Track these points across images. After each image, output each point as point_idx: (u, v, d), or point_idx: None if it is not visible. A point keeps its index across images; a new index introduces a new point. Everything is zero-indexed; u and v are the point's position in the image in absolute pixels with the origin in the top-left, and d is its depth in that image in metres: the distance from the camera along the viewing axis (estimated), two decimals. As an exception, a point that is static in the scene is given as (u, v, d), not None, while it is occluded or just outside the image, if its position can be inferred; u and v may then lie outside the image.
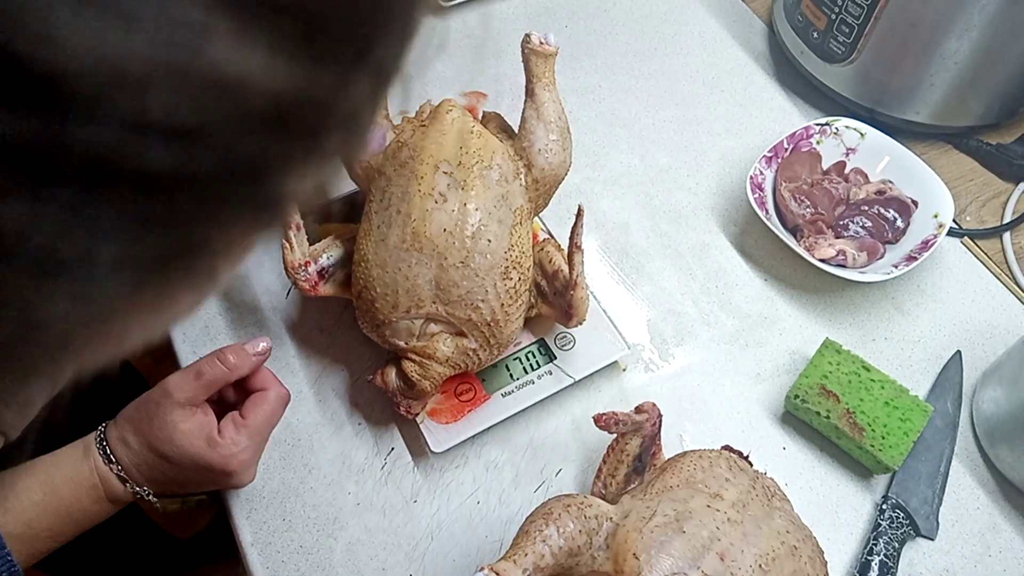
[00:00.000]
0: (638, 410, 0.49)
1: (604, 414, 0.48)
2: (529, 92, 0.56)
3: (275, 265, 0.63)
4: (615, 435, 0.50)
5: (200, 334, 0.60)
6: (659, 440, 0.51)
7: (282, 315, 0.62)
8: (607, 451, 0.50)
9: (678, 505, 0.42)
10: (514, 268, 0.53)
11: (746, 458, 0.49)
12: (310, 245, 0.56)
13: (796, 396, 0.56)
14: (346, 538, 0.53)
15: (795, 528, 0.43)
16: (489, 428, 0.56)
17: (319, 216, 0.64)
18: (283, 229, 0.54)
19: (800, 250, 0.61)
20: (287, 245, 0.54)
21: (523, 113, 0.56)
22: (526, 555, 0.39)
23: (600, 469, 0.50)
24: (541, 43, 0.56)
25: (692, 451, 0.47)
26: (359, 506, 0.54)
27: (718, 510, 0.42)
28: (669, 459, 0.48)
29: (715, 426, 0.57)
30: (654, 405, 0.49)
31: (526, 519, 0.42)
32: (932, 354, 0.61)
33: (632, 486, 0.49)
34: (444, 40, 0.78)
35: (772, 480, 0.47)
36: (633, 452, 0.49)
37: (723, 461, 0.46)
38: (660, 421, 0.50)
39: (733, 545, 0.40)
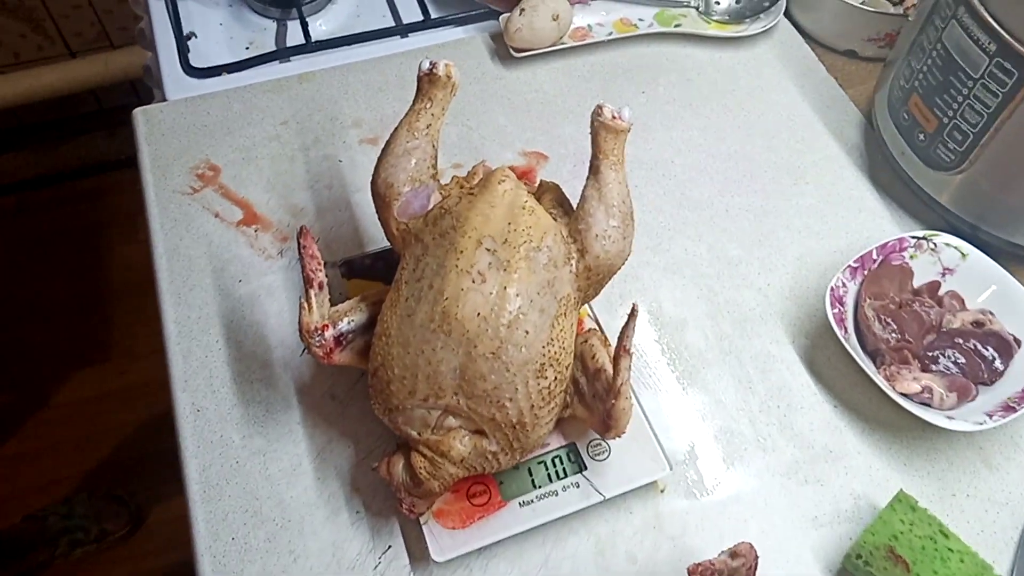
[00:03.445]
0: (733, 554, 0.43)
1: (700, 564, 0.42)
2: (593, 169, 0.50)
3: (295, 318, 0.58)
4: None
5: (202, 384, 0.55)
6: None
7: (293, 374, 0.56)
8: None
9: None
10: (551, 366, 0.47)
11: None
12: (333, 304, 0.51)
13: (858, 556, 0.48)
14: (322, 647, 0.46)
15: None
16: (500, 540, 0.49)
17: (348, 270, 0.59)
18: (304, 286, 0.49)
19: (879, 380, 0.54)
20: (305, 305, 0.49)
21: (584, 191, 0.50)
22: None
23: None
24: (614, 117, 0.50)
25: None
26: (342, 610, 0.48)
27: None
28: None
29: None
30: (751, 546, 0.43)
31: None
32: (1021, 520, 0.53)
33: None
34: (509, 93, 0.72)
35: None
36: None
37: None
38: (756, 564, 0.43)
39: None
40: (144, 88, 1.75)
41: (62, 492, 1.34)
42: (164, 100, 0.71)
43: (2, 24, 1.56)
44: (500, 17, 0.75)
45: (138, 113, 0.69)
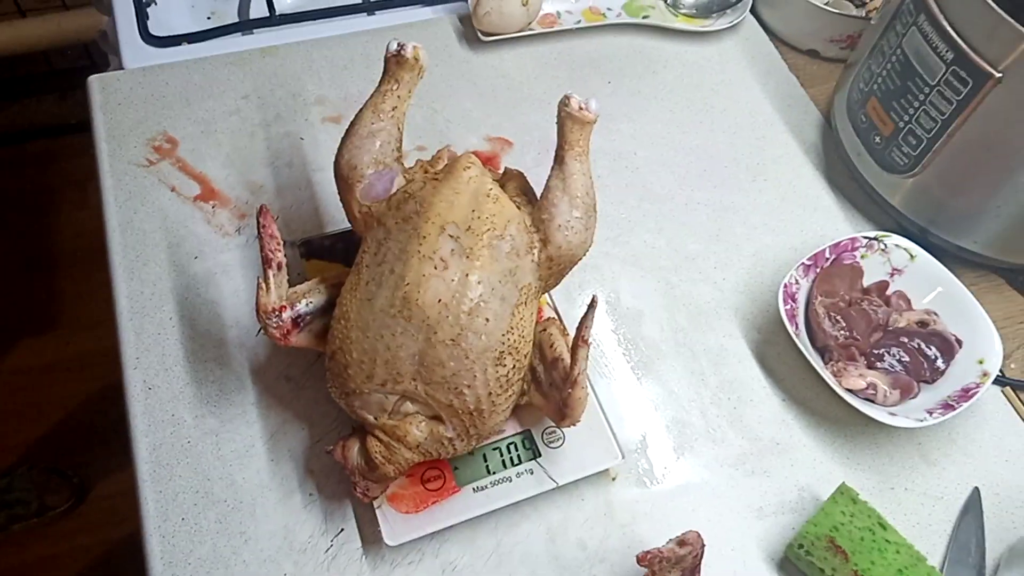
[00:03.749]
0: (680, 542, 0.44)
1: (649, 552, 0.43)
2: (558, 159, 0.51)
3: (251, 297, 0.58)
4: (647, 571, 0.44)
5: (155, 362, 0.54)
6: (699, 573, 0.45)
7: (248, 354, 0.56)
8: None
9: None
10: (510, 354, 0.47)
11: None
12: (292, 285, 0.50)
13: (800, 545, 0.50)
14: (271, 628, 0.46)
15: None
16: (453, 525, 0.49)
17: (307, 250, 0.58)
18: (263, 266, 0.48)
19: (827, 376, 0.55)
20: (263, 285, 0.48)
21: (548, 181, 0.50)
22: None
23: None
24: (581, 108, 0.50)
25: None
26: (293, 592, 0.48)
27: None
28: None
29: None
30: (698, 535, 0.44)
31: None
32: (955, 514, 0.55)
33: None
34: (475, 77, 0.72)
35: None
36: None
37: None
38: (703, 551, 0.44)
39: None
40: (98, 52, 1.70)
41: (2, 465, 1.31)
42: (121, 68, 0.69)
43: (-53, -24, 1.50)
44: (469, -1, 0.74)
45: (93, 80, 0.67)
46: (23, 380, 1.43)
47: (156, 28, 0.71)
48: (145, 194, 0.61)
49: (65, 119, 1.72)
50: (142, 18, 0.72)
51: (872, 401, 0.56)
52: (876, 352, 0.58)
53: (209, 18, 0.74)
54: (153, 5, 0.73)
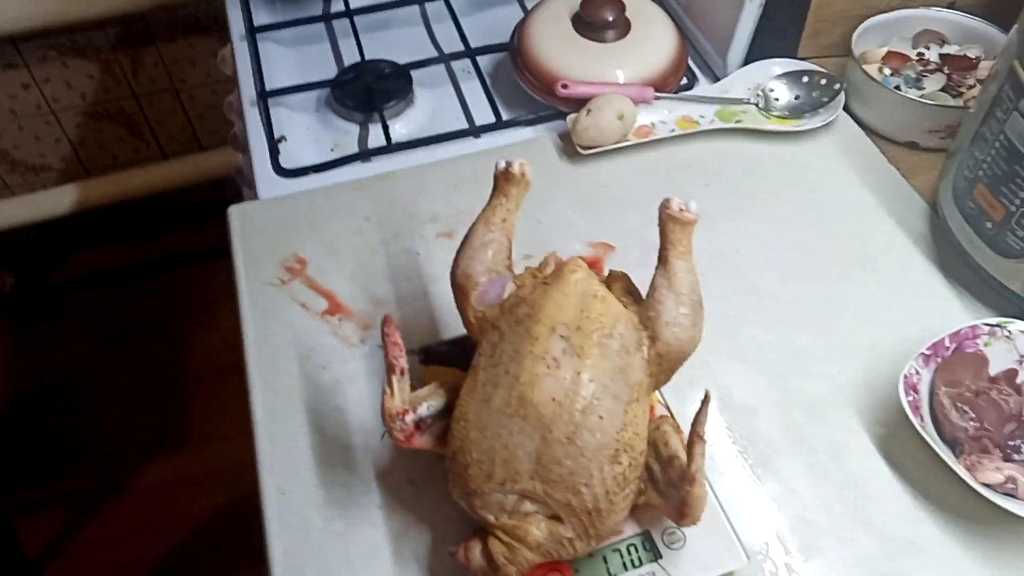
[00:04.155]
0: None
1: None
2: (662, 259, 0.53)
3: (375, 403, 0.61)
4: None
5: (287, 467, 0.58)
6: None
7: (373, 458, 0.58)
8: None
9: None
10: (625, 451, 0.48)
11: None
12: (413, 390, 0.53)
13: (947, 653, 0.47)
14: None
15: None
16: (575, 628, 0.49)
17: (425, 356, 0.61)
18: (387, 372, 0.51)
19: (960, 470, 0.53)
20: (387, 390, 0.51)
21: (653, 280, 0.52)
22: None
23: None
24: (681, 210, 0.53)
25: None
26: None
27: None
28: None
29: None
30: None
31: None
32: (1123, 621, 0.50)
33: None
34: (576, 188, 0.76)
35: None
36: None
37: None
38: None
39: None
40: (229, 186, 1.86)
41: (137, 576, 1.38)
42: (256, 198, 0.77)
43: (104, 128, 1.70)
44: (567, 117, 0.79)
45: (233, 210, 0.74)
46: (156, 496, 1.51)
47: (286, 161, 0.79)
48: (278, 311, 0.67)
49: (200, 248, 1.88)
50: (274, 153, 0.80)
51: (1013, 496, 0.53)
52: (1012, 444, 0.55)
53: (332, 150, 0.81)
54: (284, 141, 0.82)
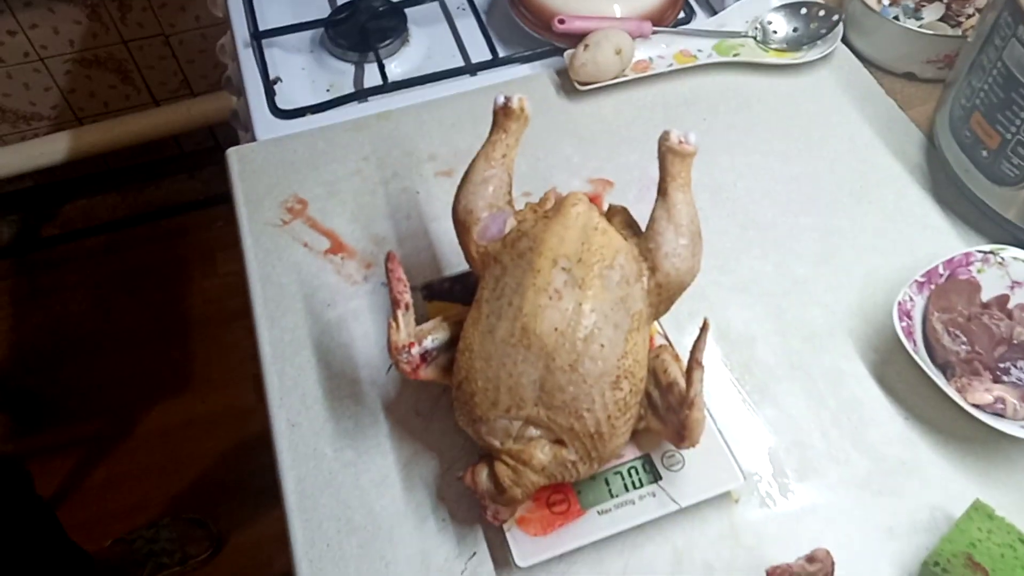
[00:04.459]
0: (810, 559, 0.44)
1: (779, 567, 0.45)
2: (662, 191, 0.53)
3: (380, 339, 0.62)
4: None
5: (296, 401, 0.59)
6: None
7: (380, 391, 0.60)
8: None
9: None
10: (626, 378, 0.49)
11: None
12: (418, 324, 0.54)
13: (936, 563, 0.49)
14: (413, 647, 0.49)
15: None
16: (580, 547, 0.51)
17: (428, 293, 0.62)
18: (392, 307, 0.53)
19: (951, 391, 0.54)
20: (394, 324, 0.52)
21: (653, 213, 0.53)
22: None
23: None
24: (680, 142, 0.53)
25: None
26: (431, 612, 0.50)
27: None
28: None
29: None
30: (827, 552, 0.45)
31: None
32: (1104, 532, 0.52)
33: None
34: (575, 124, 0.76)
35: None
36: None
37: None
38: (833, 570, 0.45)
39: None
40: (222, 132, 1.84)
41: (148, 517, 1.41)
42: (253, 140, 0.77)
43: (93, 75, 1.68)
44: (565, 53, 0.78)
45: (231, 153, 0.74)
46: (162, 439, 1.54)
47: (283, 103, 0.79)
48: (281, 251, 0.67)
49: (195, 195, 1.87)
50: (270, 95, 0.79)
51: (1002, 416, 0.54)
52: (1002, 366, 0.57)
53: (328, 90, 0.81)
54: (279, 83, 0.81)
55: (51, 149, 1.69)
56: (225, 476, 1.47)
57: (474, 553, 0.52)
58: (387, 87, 0.79)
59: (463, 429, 0.52)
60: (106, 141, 1.71)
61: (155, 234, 1.86)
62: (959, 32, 0.76)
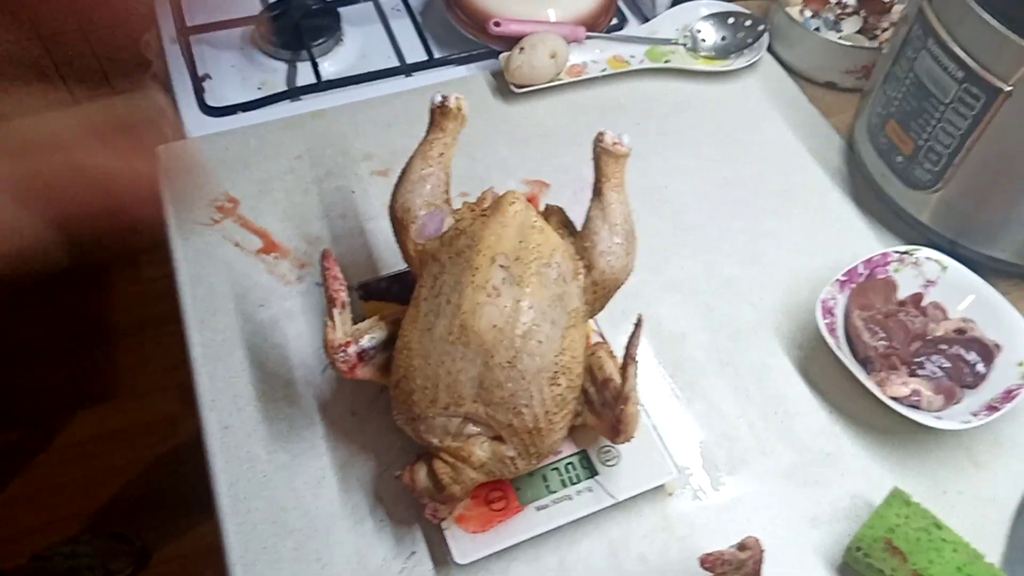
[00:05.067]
0: (741, 547, 0.46)
1: (711, 555, 0.45)
2: (597, 192, 0.54)
3: (314, 339, 0.61)
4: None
5: (229, 403, 0.58)
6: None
7: (315, 392, 0.59)
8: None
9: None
10: (563, 374, 0.50)
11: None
12: (353, 324, 0.54)
13: (858, 548, 0.51)
14: (351, 648, 0.48)
15: None
16: (518, 543, 0.51)
17: (364, 292, 0.62)
18: (328, 305, 0.52)
19: (871, 385, 0.57)
20: (330, 323, 0.52)
21: (588, 212, 0.54)
22: None
23: None
24: (615, 143, 0.54)
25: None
26: (369, 613, 0.50)
27: None
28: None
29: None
30: (757, 541, 0.46)
31: None
32: (1008, 516, 0.56)
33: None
34: (510, 126, 0.77)
35: None
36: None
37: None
38: (763, 557, 0.46)
39: None
40: (146, 132, 1.78)
41: (67, 532, 1.35)
42: (183, 138, 0.75)
43: (7, 73, 1.61)
44: (500, 55, 0.79)
45: (160, 150, 0.72)
46: (82, 450, 1.47)
47: (212, 100, 0.77)
48: (211, 250, 0.66)
49: (116, 198, 1.81)
50: (199, 92, 0.77)
51: (917, 407, 0.57)
52: (917, 360, 0.60)
53: (259, 88, 0.80)
54: (208, 79, 0.79)
55: (-40, 148, 1.61)
56: (149, 489, 1.42)
57: (413, 552, 0.52)
58: (321, 86, 0.78)
59: (401, 428, 0.52)
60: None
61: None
62: (876, 44, 0.80)
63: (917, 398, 0.57)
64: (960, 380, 0.59)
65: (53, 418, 1.51)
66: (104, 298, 1.70)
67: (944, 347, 0.60)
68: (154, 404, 1.52)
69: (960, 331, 0.61)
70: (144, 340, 1.62)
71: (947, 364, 0.59)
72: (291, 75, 0.81)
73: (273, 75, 0.81)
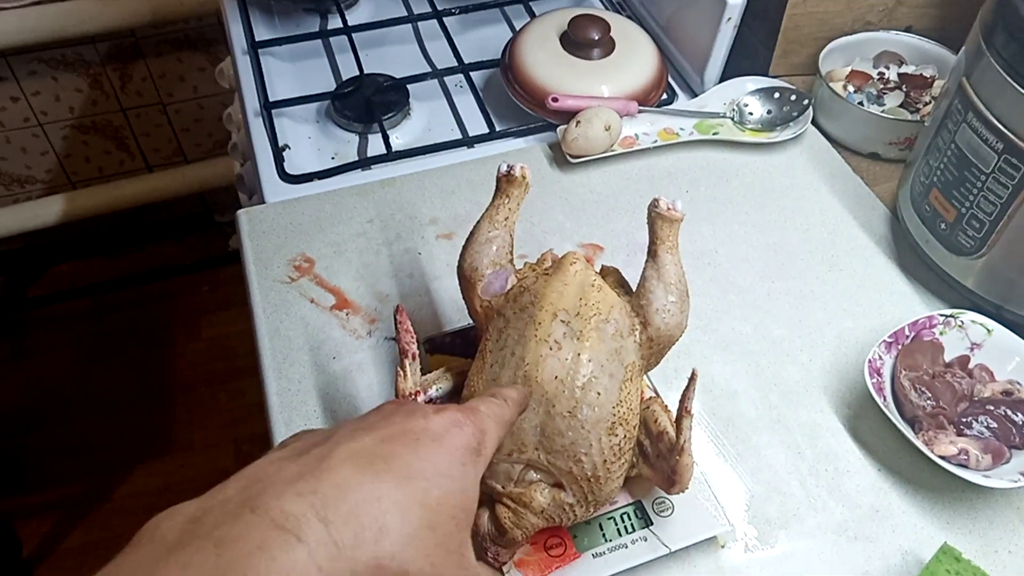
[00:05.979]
0: None
1: None
2: (652, 253, 0.58)
3: (383, 389, 0.65)
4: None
5: (302, 448, 0.61)
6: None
7: (382, 440, 0.62)
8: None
9: None
10: (620, 424, 0.53)
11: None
12: (422, 375, 0.58)
13: (910, 603, 0.52)
14: None
15: None
16: (576, 588, 0.54)
17: (430, 346, 0.66)
18: (400, 356, 0.56)
19: (919, 443, 0.59)
20: (401, 373, 0.56)
21: (644, 272, 0.57)
22: None
23: None
24: (668, 208, 0.58)
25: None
26: (433, 651, 0.52)
27: None
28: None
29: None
30: None
31: None
32: (1064, 577, 0.56)
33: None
34: (566, 194, 0.81)
35: None
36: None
37: None
38: None
39: None
40: (212, 198, 1.88)
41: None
42: (260, 203, 0.81)
43: (90, 141, 1.73)
44: (557, 128, 0.84)
45: (241, 214, 0.78)
46: (141, 503, 1.52)
47: (291, 168, 0.83)
48: (288, 306, 0.71)
49: (182, 260, 1.90)
50: (279, 160, 0.84)
51: (965, 466, 0.59)
52: (964, 420, 0.61)
53: (333, 158, 0.86)
54: (287, 149, 0.86)
55: (44, 212, 1.72)
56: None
57: (474, 594, 0.54)
58: (390, 156, 0.84)
59: (466, 473, 0.55)
60: (99, 205, 1.75)
61: (141, 298, 1.88)
62: (918, 117, 0.83)
63: (965, 457, 0.58)
64: (1008, 440, 0.60)
65: (115, 470, 1.57)
66: (167, 355, 1.77)
67: (991, 408, 0.61)
68: (212, 458, 1.57)
69: (1007, 392, 0.62)
70: (203, 397, 1.68)
71: (994, 424, 0.61)
72: (363, 146, 0.87)
73: (346, 146, 0.87)
